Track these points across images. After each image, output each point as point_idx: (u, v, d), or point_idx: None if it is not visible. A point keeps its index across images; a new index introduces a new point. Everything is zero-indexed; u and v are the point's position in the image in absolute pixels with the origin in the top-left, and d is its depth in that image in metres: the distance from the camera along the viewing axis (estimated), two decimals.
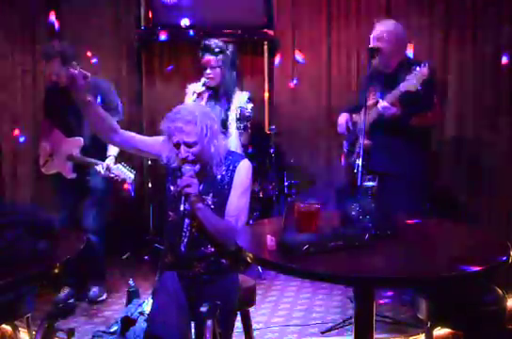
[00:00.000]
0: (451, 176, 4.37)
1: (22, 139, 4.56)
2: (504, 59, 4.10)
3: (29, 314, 2.64)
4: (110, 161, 3.55)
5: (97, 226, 3.70)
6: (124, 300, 3.44)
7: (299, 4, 4.74)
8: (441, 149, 4.33)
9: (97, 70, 4.27)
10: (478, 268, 1.86)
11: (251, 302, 2.63)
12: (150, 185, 4.79)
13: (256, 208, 4.24)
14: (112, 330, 3.17)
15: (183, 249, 2.48)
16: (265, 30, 4.74)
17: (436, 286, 2.29)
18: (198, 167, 2.43)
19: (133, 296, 3.33)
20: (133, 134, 2.64)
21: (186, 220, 2.48)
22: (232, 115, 3.61)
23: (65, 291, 3.75)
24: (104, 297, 3.78)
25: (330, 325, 3.35)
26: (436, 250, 2.10)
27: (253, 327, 2.71)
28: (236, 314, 2.53)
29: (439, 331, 2.96)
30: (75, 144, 3.63)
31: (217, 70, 3.60)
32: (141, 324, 2.58)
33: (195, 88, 3.64)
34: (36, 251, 1.99)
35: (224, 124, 3.50)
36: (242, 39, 4.73)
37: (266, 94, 4.87)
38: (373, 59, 3.40)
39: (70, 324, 3.34)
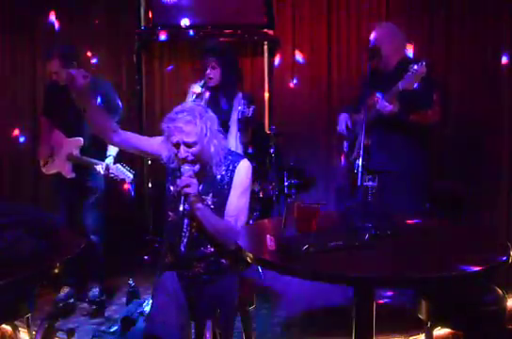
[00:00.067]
0: (451, 176, 4.37)
1: (22, 139, 4.57)
2: (504, 59, 4.11)
3: (29, 314, 2.63)
4: (109, 161, 3.56)
5: (97, 226, 3.70)
6: (124, 300, 3.45)
7: (299, 4, 4.75)
8: (441, 148, 4.33)
9: (97, 70, 4.28)
10: (478, 268, 1.86)
11: (251, 302, 2.62)
12: (150, 185, 4.79)
13: (256, 208, 4.22)
14: (112, 330, 3.18)
15: (182, 249, 2.48)
16: (265, 30, 4.74)
17: (436, 286, 2.28)
18: (197, 167, 2.42)
19: (133, 296, 3.34)
20: (132, 134, 2.64)
21: (186, 220, 2.47)
22: (233, 116, 3.61)
23: (65, 291, 3.74)
24: (104, 297, 3.78)
25: (330, 325, 3.35)
26: (436, 250, 2.10)
27: (253, 327, 2.71)
28: (236, 314, 2.53)
29: (439, 331, 2.96)
30: (75, 144, 3.63)
31: (218, 70, 3.60)
32: (141, 324, 2.58)
33: (195, 88, 3.64)
34: (36, 252, 1.99)
35: (224, 125, 3.50)
36: (242, 39, 4.74)
37: (266, 94, 4.86)
38: (372, 59, 3.40)
39: (70, 324, 3.35)
